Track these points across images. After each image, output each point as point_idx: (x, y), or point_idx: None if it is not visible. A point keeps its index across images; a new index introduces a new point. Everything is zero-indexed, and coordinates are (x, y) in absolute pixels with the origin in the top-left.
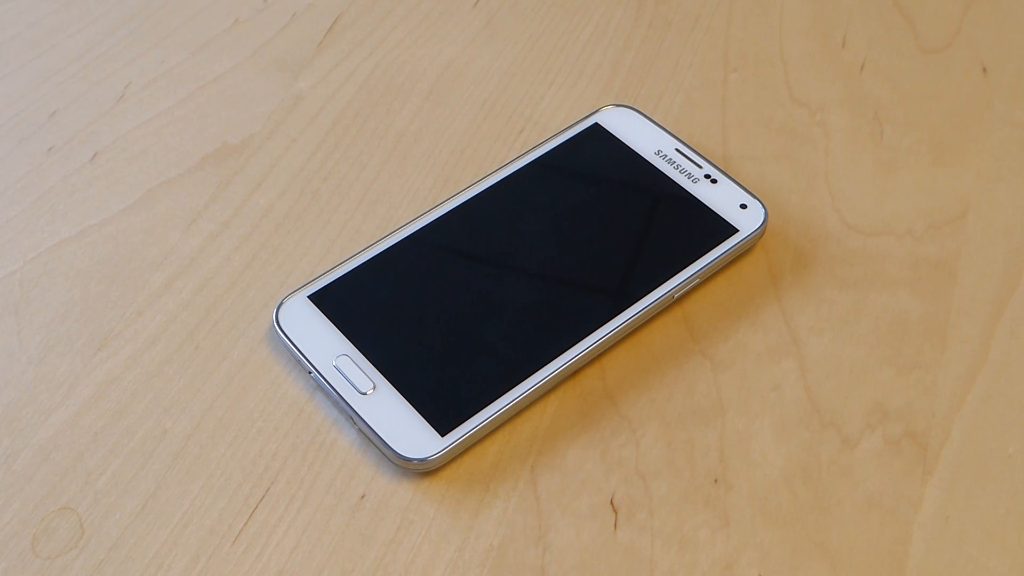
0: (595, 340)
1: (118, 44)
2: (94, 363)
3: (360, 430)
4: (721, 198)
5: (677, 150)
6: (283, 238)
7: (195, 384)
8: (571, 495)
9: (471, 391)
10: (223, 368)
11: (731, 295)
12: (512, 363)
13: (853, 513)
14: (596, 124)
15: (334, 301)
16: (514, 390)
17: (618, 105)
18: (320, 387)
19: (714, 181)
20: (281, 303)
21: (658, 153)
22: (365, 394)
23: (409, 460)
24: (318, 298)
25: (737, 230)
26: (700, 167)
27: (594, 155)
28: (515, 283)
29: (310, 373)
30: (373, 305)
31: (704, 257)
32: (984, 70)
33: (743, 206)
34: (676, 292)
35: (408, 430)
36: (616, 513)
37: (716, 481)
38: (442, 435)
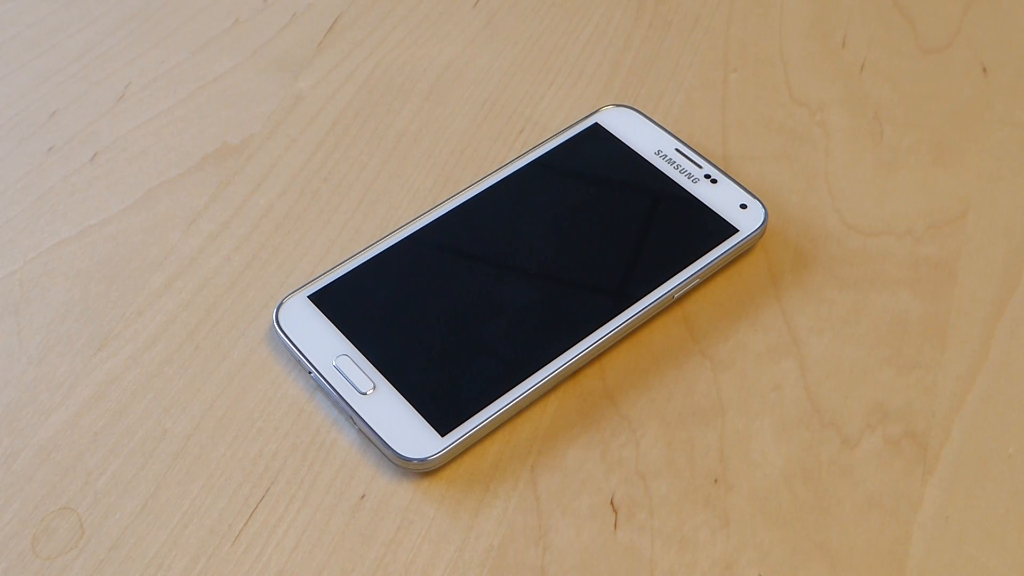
0: (595, 340)
1: (118, 44)
2: (94, 363)
3: (360, 430)
4: (721, 198)
5: (677, 150)
6: (283, 238)
7: (195, 384)
8: (571, 495)
9: (471, 391)
10: (223, 368)
11: (731, 295)
12: (512, 363)
13: (853, 513)
14: (596, 124)
15: (334, 301)
16: (514, 390)
17: (618, 105)
18: (320, 387)
19: (714, 181)
20: (281, 303)
21: (658, 153)
22: (365, 394)
23: (409, 460)
24: (318, 298)
25: (737, 230)
26: (700, 167)
27: (594, 155)
28: (515, 283)
29: (310, 373)
30: (373, 305)
31: (704, 257)
32: (984, 70)
33: (743, 206)
34: (676, 292)
35: (408, 430)
36: (616, 513)
37: (716, 481)
38: (442, 435)
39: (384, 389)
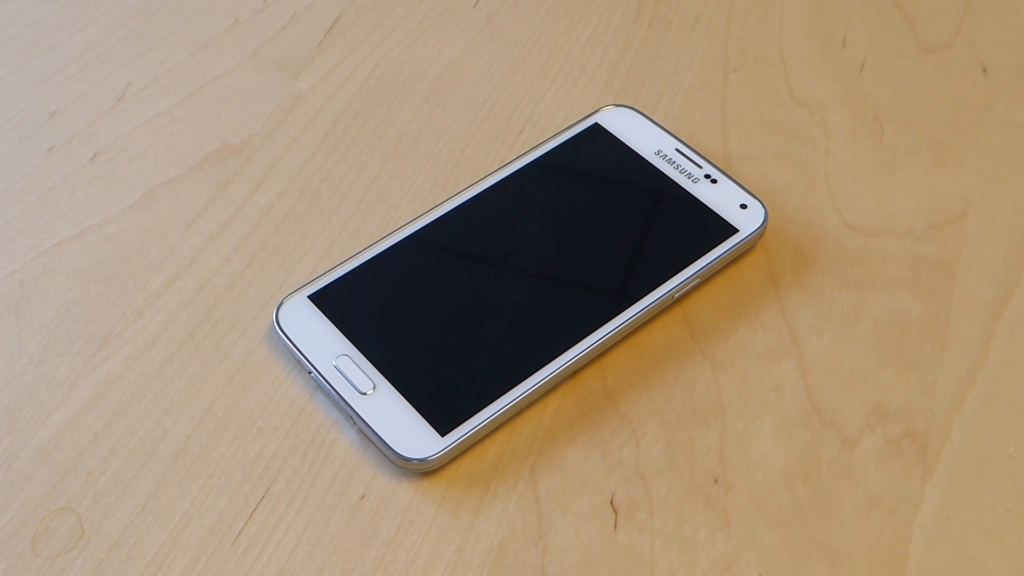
0: (595, 340)
1: (118, 44)
2: (94, 363)
3: (360, 430)
4: (721, 198)
5: (677, 150)
6: (283, 238)
7: (195, 384)
8: (571, 495)
9: (471, 391)
10: (223, 368)
11: (731, 295)
12: (512, 363)
13: (853, 513)
14: (596, 124)
15: (334, 301)
16: (514, 390)
17: (618, 105)
18: (320, 387)
19: (714, 181)
20: (281, 303)
21: (658, 153)
22: (365, 394)
23: (409, 460)
24: (318, 298)
25: (737, 230)
26: (700, 167)
27: (594, 155)
28: (515, 283)
29: (310, 373)
30: (373, 305)
31: (704, 257)
32: (984, 70)
33: (743, 206)
34: (676, 292)
35: (408, 430)
36: (616, 513)
37: (716, 481)
38: (442, 435)
39: (384, 389)
